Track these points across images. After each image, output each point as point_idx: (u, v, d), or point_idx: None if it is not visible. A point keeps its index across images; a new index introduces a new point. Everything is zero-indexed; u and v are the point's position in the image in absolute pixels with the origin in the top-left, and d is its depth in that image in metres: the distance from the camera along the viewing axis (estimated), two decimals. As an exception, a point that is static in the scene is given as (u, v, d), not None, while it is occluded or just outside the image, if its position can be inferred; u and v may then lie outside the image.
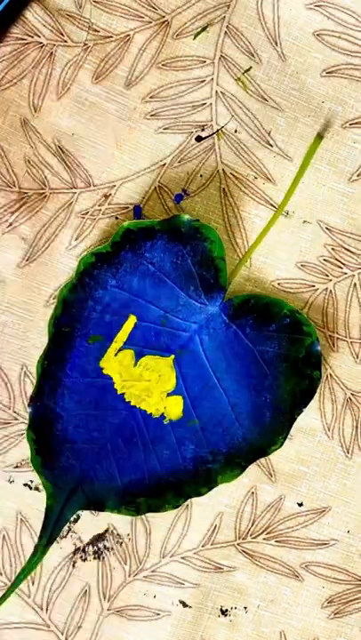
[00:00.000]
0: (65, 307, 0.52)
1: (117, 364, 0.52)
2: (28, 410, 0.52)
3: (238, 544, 0.55)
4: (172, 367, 0.53)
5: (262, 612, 0.55)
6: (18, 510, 0.54)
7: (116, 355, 0.52)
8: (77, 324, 0.52)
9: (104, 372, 0.52)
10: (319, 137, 0.54)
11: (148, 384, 0.53)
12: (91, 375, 0.52)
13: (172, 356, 0.53)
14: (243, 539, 0.55)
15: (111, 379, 0.52)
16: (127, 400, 0.53)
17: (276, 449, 0.53)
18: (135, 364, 0.52)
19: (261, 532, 0.55)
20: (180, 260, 0.52)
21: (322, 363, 0.55)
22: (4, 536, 0.54)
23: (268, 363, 0.53)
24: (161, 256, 0.52)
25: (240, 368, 0.53)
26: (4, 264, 0.53)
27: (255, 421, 0.53)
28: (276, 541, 0.55)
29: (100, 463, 0.53)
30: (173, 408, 0.53)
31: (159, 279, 0.52)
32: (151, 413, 0.53)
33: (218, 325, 0.53)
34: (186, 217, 0.52)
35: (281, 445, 0.53)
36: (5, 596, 0.52)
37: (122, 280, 0.52)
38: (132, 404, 0.53)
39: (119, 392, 0.52)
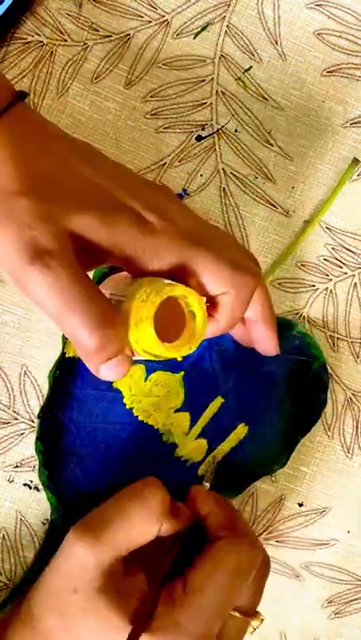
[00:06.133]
0: None
1: (128, 378, 0.52)
2: (37, 421, 0.52)
3: (238, 544, 0.55)
4: (181, 383, 0.53)
5: (262, 612, 0.55)
6: (17, 510, 0.54)
7: None
8: None
9: (114, 385, 0.52)
10: (356, 161, 0.54)
11: (156, 399, 0.52)
12: (101, 388, 0.52)
13: (182, 373, 0.53)
14: (243, 539, 0.55)
15: (120, 392, 0.52)
16: (135, 414, 0.52)
17: (278, 468, 0.53)
18: (145, 380, 0.52)
19: (262, 532, 0.55)
20: None
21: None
22: (3, 536, 0.54)
23: (276, 383, 0.53)
24: None
25: (247, 387, 0.53)
26: (3, 264, 0.53)
27: (259, 440, 0.53)
28: (277, 541, 0.55)
29: (106, 477, 0.53)
30: (180, 424, 0.53)
31: None
32: (158, 429, 0.53)
33: (227, 344, 0.53)
34: None
35: (284, 465, 0.53)
36: (5, 603, 0.52)
37: None
38: (139, 418, 0.52)
39: (128, 406, 0.52)
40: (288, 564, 0.55)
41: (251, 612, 0.46)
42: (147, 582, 0.45)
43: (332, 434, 0.55)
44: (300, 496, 0.55)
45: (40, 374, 0.54)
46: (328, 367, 0.55)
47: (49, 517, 0.53)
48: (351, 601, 0.55)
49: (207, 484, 0.50)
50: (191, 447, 0.53)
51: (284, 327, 0.53)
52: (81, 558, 0.44)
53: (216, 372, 0.53)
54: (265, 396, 0.53)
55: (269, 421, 0.53)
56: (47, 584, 0.46)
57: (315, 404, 0.53)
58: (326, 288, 0.55)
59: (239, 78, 0.54)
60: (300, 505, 0.55)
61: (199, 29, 0.54)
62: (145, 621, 0.43)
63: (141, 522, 0.44)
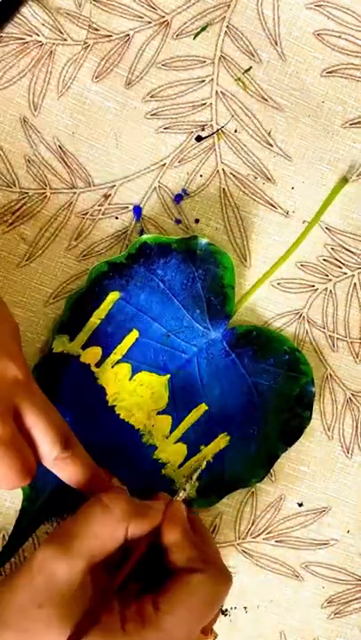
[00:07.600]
0: (72, 313, 0.52)
1: (113, 376, 0.52)
2: None
3: (238, 544, 0.55)
4: (166, 386, 0.52)
5: (262, 612, 0.55)
6: (17, 510, 0.54)
7: (112, 367, 0.52)
8: (80, 331, 0.52)
9: (98, 382, 0.52)
10: (344, 180, 0.54)
11: (140, 400, 0.52)
12: (85, 382, 0.52)
13: (168, 376, 0.52)
14: (243, 539, 0.55)
15: (104, 389, 0.52)
16: (117, 412, 0.52)
17: (256, 482, 0.53)
18: (130, 379, 0.52)
19: (261, 532, 0.55)
20: (191, 282, 0.52)
21: (324, 362, 0.55)
22: (3, 535, 0.54)
23: (261, 396, 0.53)
24: (172, 275, 0.52)
25: (233, 397, 0.53)
26: (4, 264, 0.53)
27: (239, 452, 0.53)
28: (276, 541, 0.55)
29: None
30: (161, 426, 0.52)
31: (167, 298, 0.52)
32: (138, 429, 0.52)
33: (217, 352, 0.53)
34: (203, 240, 0.52)
35: (262, 479, 0.53)
36: None
37: (130, 294, 0.52)
38: (120, 417, 0.52)
39: (110, 404, 0.52)
40: (288, 564, 0.55)
41: (208, 631, 0.48)
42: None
43: (332, 434, 0.55)
44: (300, 496, 0.55)
45: (40, 374, 0.54)
46: (327, 367, 0.55)
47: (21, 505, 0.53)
48: (351, 601, 0.56)
49: (181, 495, 0.49)
50: (170, 450, 0.52)
51: (275, 341, 0.53)
52: (51, 572, 0.43)
53: (203, 379, 0.53)
54: (249, 408, 0.53)
55: (252, 434, 0.53)
56: (7, 600, 0.44)
57: (299, 420, 0.53)
58: (326, 288, 0.55)
59: (239, 79, 0.55)
60: (300, 505, 0.55)
61: (199, 30, 0.54)
62: (85, 629, 0.42)
63: (104, 528, 0.44)
